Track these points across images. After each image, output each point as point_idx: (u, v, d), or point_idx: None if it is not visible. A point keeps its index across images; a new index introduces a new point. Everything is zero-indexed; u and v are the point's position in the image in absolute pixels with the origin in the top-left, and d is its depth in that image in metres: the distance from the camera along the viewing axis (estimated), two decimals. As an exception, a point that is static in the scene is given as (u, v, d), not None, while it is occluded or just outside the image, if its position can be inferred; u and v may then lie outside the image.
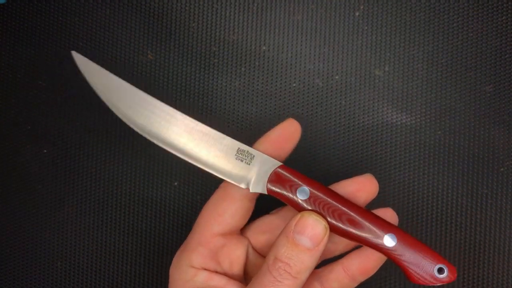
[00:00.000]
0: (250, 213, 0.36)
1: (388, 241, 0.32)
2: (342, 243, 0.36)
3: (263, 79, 0.42)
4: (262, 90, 0.42)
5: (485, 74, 0.41)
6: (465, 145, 0.41)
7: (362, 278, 0.35)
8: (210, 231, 0.35)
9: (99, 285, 0.43)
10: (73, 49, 0.42)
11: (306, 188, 0.33)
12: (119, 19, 0.42)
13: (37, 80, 0.43)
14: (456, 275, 0.32)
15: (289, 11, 0.41)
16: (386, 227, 0.33)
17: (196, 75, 0.42)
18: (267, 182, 0.33)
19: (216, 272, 0.35)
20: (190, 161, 0.34)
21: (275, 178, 0.33)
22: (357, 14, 0.41)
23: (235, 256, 0.35)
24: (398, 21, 0.41)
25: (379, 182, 0.41)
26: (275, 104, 0.41)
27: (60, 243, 0.43)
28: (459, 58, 0.41)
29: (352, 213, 0.33)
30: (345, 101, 0.41)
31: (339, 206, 0.33)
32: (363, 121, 0.41)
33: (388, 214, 0.35)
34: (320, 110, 0.41)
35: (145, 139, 0.34)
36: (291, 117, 0.36)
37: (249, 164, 0.33)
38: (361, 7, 0.41)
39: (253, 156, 0.34)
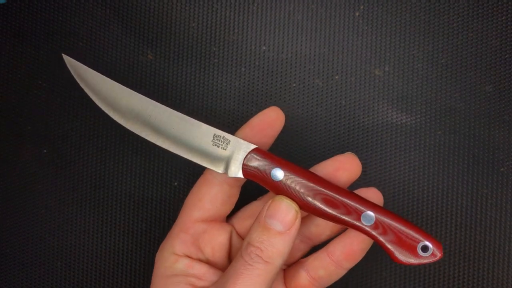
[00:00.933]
0: (234, 200, 0.36)
1: (366, 219, 0.31)
2: (327, 226, 0.36)
3: (263, 79, 0.42)
4: (262, 90, 0.42)
5: (485, 74, 0.41)
6: (465, 145, 0.41)
7: (348, 264, 0.35)
8: (191, 217, 0.35)
9: (99, 285, 0.43)
10: (73, 49, 0.42)
11: (280, 169, 0.33)
12: (119, 19, 0.42)
13: (37, 80, 0.43)
14: (442, 252, 0.31)
15: (289, 11, 0.41)
16: (364, 205, 0.32)
17: (196, 75, 0.42)
18: (243, 165, 0.33)
19: (199, 259, 0.35)
20: (168, 148, 0.34)
21: (250, 161, 0.33)
22: (357, 14, 0.41)
23: (217, 242, 0.35)
24: (398, 21, 0.41)
25: (378, 182, 0.41)
26: (275, 104, 0.41)
27: (60, 243, 0.43)
28: (459, 58, 0.41)
29: (328, 192, 0.32)
30: (345, 101, 0.41)
31: (315, 185, 0.32)
32: (363, 121, 0.41)
33: (370, 193, 0.34)
34: (320, 110, 0.41)
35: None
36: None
37: (226, 149, 0.34)
38: (361, 7, 0.41)
39: (229, 141, 0.34)
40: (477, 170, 0.41)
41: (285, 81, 0.41)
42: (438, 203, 0.41)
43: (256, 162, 0.33)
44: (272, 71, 0.41)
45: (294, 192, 0.32)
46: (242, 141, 0.34)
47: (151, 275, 0.42)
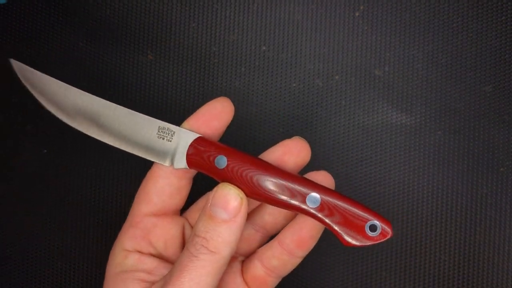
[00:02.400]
0: (185, 192, 0.35)
1: (311, 201, 0.31)
2: (281, 214, 0.35)
3: (263, 79, 0.42)
4: (262, 90, 0.42)
5: (485, 74, 0.41)
6: (465, 145, 0.41)
7: (301, 252, 0.34)
8: (140, 211, 0.34)
9: (99, 285, 0.43)
10: (73, 49, 0.42)
11: (223, 156, 0.32)
12: (119, 19, 0.42)
13: (37, 80, 0.43)
14: (391, 231, 0.30)
15: (289, 11, 0.41)
16: (309, 187, 0.31)
17: (196, 75, 0.42)
18: (186, 155, 0.33)
19: (150, 254, 0.34)
20: (113, 144, 0.34)
21: (193, 150, 0.33)
22: (357, 14, 0.41)
23: (169, 236, 0.34)
24: (398, 21, 0.41)
25: (379, 182, 0.41)
26: (275, 104, 0.41)
27: (60, 243, 0.43)
28: (459, 58, 0.41)
29: (272, 176, 0.31)
30: (345, 101, 0.41)
31: (258, 170, 0.32)
32: (363, 121, 0.41)
33: (321, 177, 0.34)
34: (320, 110, 0.41)
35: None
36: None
37: (171, 141, 0.33)
38: (361, 7, 0.41)
39: (174, 132, 0.33)
40: (477, 170, 0.41)
41: (285, 81, 0.41)
42: (438, 203, 0.41)
43: (200, 152, 0.32)
44: (272, 71, 0.41)
45: (239, 179, 0.32)
46: (186, 131, 0.33)
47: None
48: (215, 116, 0.34)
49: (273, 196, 0.32)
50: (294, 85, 0.41)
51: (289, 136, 0.41)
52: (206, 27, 0.42)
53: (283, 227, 0.35)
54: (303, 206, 0.31)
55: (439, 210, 0.41)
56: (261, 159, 0.33)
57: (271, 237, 0.37)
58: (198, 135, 0.33)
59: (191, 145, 0.33)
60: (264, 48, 0.41)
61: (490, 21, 0.40)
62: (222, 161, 0.32)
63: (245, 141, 0.41)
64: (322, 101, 0.41)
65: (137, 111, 0.42)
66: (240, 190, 0.32)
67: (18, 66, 0.35)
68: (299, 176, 0.32)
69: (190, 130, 0.33)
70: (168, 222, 0.35)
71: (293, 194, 0.31)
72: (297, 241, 0.34)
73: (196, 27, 0.42)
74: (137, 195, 0.35)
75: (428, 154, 0.41)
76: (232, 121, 0.42)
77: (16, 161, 0.43)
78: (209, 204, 0.31)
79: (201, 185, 0.36)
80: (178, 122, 0.42)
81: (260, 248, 0.36)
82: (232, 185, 0.32)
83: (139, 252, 0.34)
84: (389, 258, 0.41)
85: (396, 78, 0.41)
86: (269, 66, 0.41)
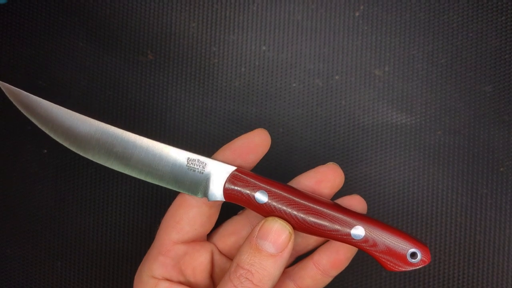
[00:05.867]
0: (215, 219, 0.35)
1: (356, 234, 0.31)
2: (313, 237, 0.35)
3: (263, 79, 0.42)
4: (262, 90, 0.42)
5: (485, 74, 0.41)
6: (465, 145, 0.41)
7: (334, 272, 0.34)
8: (170, 239, 0.34)
9: (99, 285, 0.43)
10: (73, 49, 0.42)
11: (264, 190, 0.32)
12: (119, 19, 0.42)
13: (37, 80, 0.43)
14: (430, 256, 0.31)
15: (289, 11, 0.41)
16: (353, 218, 0.31)
17: (196, 75, 0.42)
18: (223, 189, 0.32)
19: (179, 282, 0.34)
20: (140, 177, 0.33)
21: (231, 184, 0.32)
22: (357, 14, 0.41)
23: (197, 263, 0.34)
24: (398, 21, 0.41)
25: (379, 182, 0.41)
26: (275, 104, 0.41)
27: (60, 243, 0.43)
28: (459, 58, 0.41)
29: (315, 208, 0.31)
30: (345, 101, 0.41)
31: (301, 202, 0.31)
32: (363, 121, 0.41)
33: (355, 202, 0.34)
34: (320, 110, 0.41)
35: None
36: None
37: (203, 173, 0.32)
38: (361, 7, 0.41)
39: (205, 164, 0.32)
40: (477, 170, 0.41)
41: (285, 81, 0.41)
42: (438, 203, 0.41)
43: (238, 185, 0.32)
44: (272, 71, 0.41)
45: (280, 213, 0.32)
46: (219, 163, 0.32)
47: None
48: (252, 149, 0.33)
49: (317, 230, 0.32)
50: (294, 85, 0.41)
51: (289, 136, 0.41)
52: (206, 27, 0.42)
53: (313, 248, 0.36)
54: (348, 239, 0.31)
55: (439, 210, 0.41)
56: (301, 191, 0.32)
57: (298, 257, 0.37)
58: (234, 168, 0.32)
59: (228, 178, 0.32)
60: (264, 48, 0.41)
61: (490, 21, 0.40)
62: (262, 196, 0.32)
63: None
64: (322, 101, 0.41)
65: (137, 111, 0.42)
66: (288, 224, 0.31)
67: (10, 90, 0.34)
68: (341, 208, 0.32)
69: (224, 162, 0.32)
70: (198, 249, 0.34)
71: (337, 228, 0.31)
72: (333, 262, 0.34)
73: (196, 27, 0.42)
74: (165, 222, 0.34)
75: (428, 154, 0.41)
76: (232, 121, 0.42)
77: (16, 161, 0.43)
78: (254, 236, 0.31)
79: (224, 207, 0.36)
80: (178, 122, 0.42)
81: (291, 268, 0.36)
82: (281, 218, 0.31)
83: (168, 280, 0.34)
84: (389, 258, 0.41)
85: (396, 78, 0.41)
86: (269, 66, 0.41)
